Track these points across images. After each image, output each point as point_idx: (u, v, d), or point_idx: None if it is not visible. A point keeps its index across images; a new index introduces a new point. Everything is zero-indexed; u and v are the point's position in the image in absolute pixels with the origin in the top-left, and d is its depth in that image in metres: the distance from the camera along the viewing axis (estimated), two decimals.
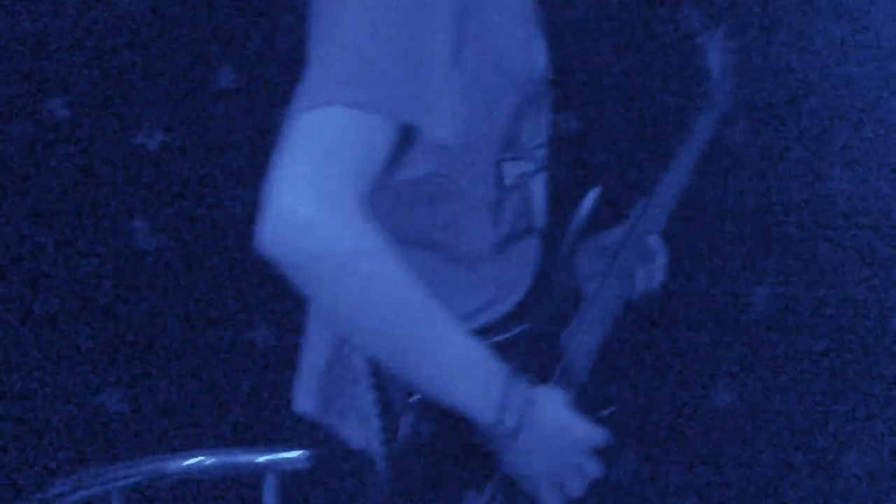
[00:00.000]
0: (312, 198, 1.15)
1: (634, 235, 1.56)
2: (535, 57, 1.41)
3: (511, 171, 1.39)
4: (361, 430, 1.36)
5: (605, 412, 1.50)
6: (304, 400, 1.44)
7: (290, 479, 1.72)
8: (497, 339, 1.36)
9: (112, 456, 2.63)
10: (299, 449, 1.49)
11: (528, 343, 1.40)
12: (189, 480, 1.72)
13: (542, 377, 1.39)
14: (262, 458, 1.71)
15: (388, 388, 1.30)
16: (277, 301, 2.61)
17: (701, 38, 1.73)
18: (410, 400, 1.28)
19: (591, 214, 1.54)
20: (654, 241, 1.59)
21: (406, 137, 1.25)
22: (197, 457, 1.72)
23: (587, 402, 1.45)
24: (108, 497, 1.66)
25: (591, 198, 1.54)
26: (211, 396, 2.73)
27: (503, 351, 1.31)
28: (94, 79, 2.63)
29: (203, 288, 2.72)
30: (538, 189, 1.48)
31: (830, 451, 2.79)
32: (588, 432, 1.36)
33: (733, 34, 1.74)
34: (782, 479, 2.79)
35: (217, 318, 2.73)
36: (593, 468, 1.38)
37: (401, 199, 1.34)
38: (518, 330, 1.40)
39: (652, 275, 1.59)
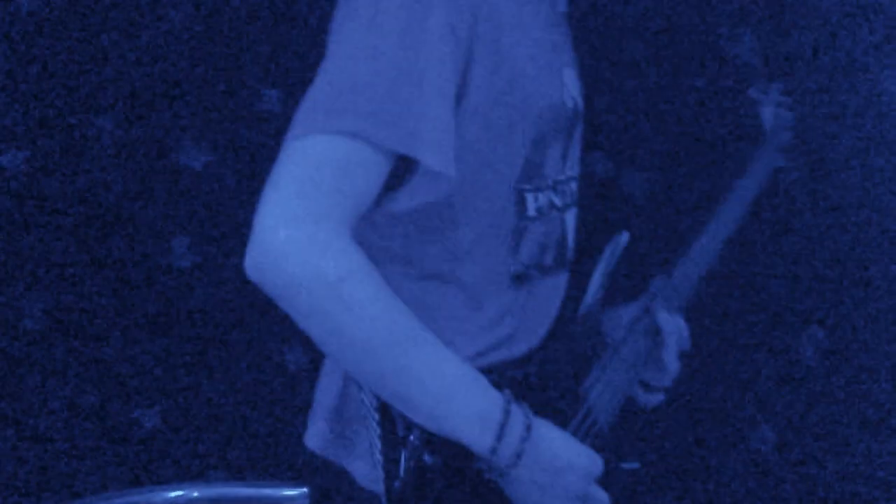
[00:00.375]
0: (294, 224, 1.15)
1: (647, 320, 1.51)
2: (563, 87, 1.39)
3: (533, 201, 1.37)
4: (368, 467, 1.34)
5: (628, 466, 1.46)
6: (315, 435, 1.43)
7: None
8: (510, 374, 1.33)
9: (146, 473, 2.64)
10: (303, 485, 1.47)
11: (542, 385, 1.37)
12: None
13: (558, 423, 1.34)
14: (260, 493, 1.70)
15: (394, 424, 1.28)
16: None
17: (754, 91, 1.70)
18: (411, 437, 1.26)
19: (619, 261, 1.50)
20: (671, 332, 1.52)
21: (405, 167, 1.24)
22: (196, 488, 1.71)
23: (609, 455, 1.39)
24: None
25: (618, 242, 1.51)
26: (240, 417, 2.73)
27: (516, 388, 1.28)
28: (142, 98, 2.66)
29: (241, 309, 2.73)
30: (571, 224, 1.46)
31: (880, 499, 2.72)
32: (592, 459, 1.32)
33: (791, 89, 1.72)
34: None
35: (252, 339, 2.73)
36: (601, 497, 1.34)
37: (412, 230, 1.32)
38: (533, 370, 1.37)
39: (656, 384, 1.55)
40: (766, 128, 1.76)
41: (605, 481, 1.35)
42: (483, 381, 1.25)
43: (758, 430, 2.73)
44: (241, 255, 1.19)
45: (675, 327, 1.53)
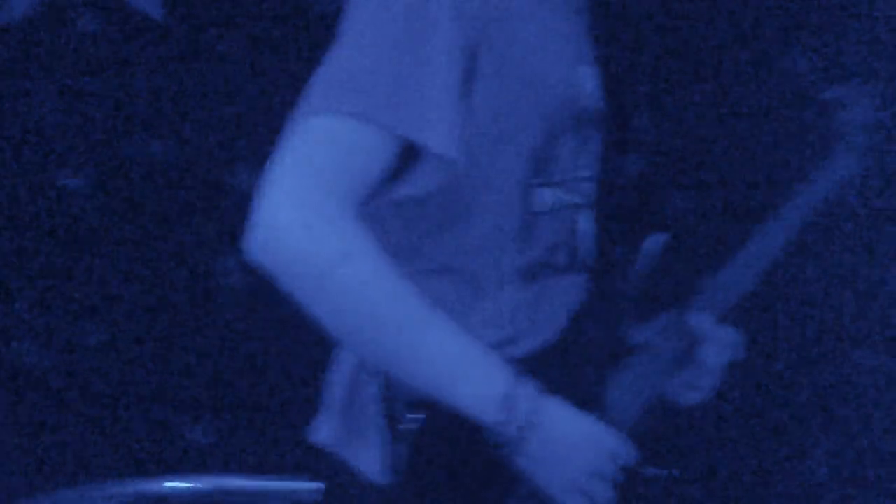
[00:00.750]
0: (299, 203, 1.16)
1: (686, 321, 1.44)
2: (579, 83, 1.38)
3: (544, 197, 1.36)
4: (374, 461, 1.33)
5: (655, 472, 1.42)
6: (323, 430, 1.42)
7: None
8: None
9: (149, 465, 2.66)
10: (311, 479, 1.47)
11: (553, 384, 1.32)
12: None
13: None
14: (269, 487, 1.71)
15: (399, 415, 1.28)
16: None
17: (831, 92, 1.65)
18: (415, 427, 1.27)
19: (657, 261, 1.47)
20: (713, 343, 1.44)
21: (411, 152, 1.24)
22: (205, 481, 1.72)
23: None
24: None
25: (656, 242, 1.47)
26: (291, 432, 2.74)
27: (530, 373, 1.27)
28: (190, 117, 2.71)
29: (286, 327, 2.75)
30: (585, 225, 1.43)
31: None
32: (605, 435, 1.31)
33: (875, 92, 1.67)
34: None
35: (298, 356, 2.75)
36: (618, 476, 1.32)
37: (417, 222, 1.32)
38: (544, 368, 1.34)
39: (695, 383, 1.45)
40: (840, 131, 1.70)
41: (625, 484, 1.33)
42: (492, 355, 1.26)
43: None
44: None
45: (709, 327, 1.45)
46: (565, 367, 1.37)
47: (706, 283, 1.50)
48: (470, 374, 1.24)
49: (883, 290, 2.60)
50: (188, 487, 1.72)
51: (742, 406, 2.62)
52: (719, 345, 1.46)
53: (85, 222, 2.73)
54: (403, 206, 1.30)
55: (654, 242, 1.47)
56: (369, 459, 1.36)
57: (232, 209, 2.75)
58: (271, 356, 2.77)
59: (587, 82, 1.39)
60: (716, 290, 1.49)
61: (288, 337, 2.75)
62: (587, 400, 1.37)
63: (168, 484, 1.72)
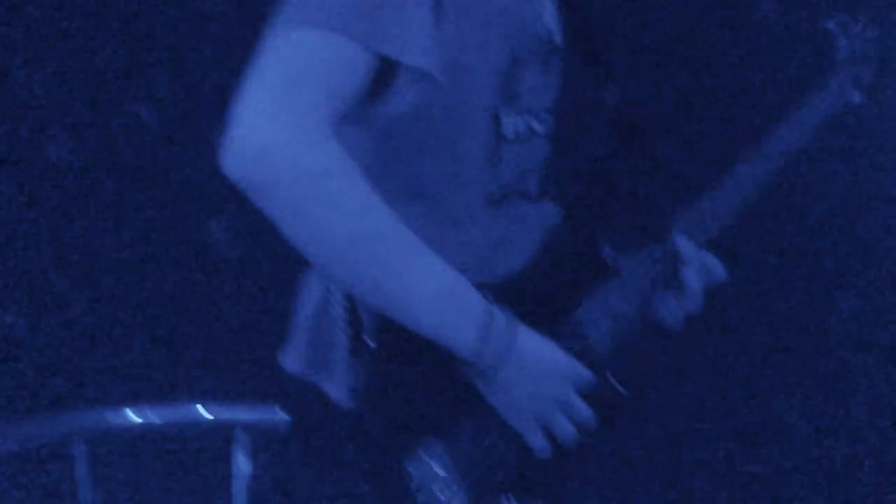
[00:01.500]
0: (276, 119, 1.14)
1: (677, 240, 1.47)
2: (537, 14, 1.39)
3: (510, 124, 1.38)
4: (340, 385, 1.36)
5: (623, 389, 1.43)
6: (292, 358, 1.44)
7: (267, 437, 1.74)
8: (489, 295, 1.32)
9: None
10: (277, 407, 1.48)
11: (526, 307, 1.34)
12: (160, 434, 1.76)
13: None
14: (233, 416, 1.73)
15: (364, 338, 1.29)
16: None
17: (833, 22, 1.63)
18: (378, 347, 1.28)
19: (628, 194, 1.48)
20: (694, 266, 1.46)
21: (388, 70, 1.24)
22: (170, 411, 1.74)
23: (606, 384, 1.39)
24: (69, 443, 1.67)
25: (626, 169, 1.47)
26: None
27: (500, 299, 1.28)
28: (182, 80, 2.72)
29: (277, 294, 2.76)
30: (546, 155, 1.46)
31: None
32: (573, 366, 1.33)
33: (878, 22, 1.64)
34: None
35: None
36: (581, 409, 1.34)
37: (391, 144, 1.33)
38: (515, 293, 1.36)
39: (681, 304, 1.47)
40: (839, 59, 1.64)
41: (597, 403, 1.35)
42: (466, 283, 1.26)
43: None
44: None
45: (694, 250, 1.48)
46: (537, 294, 1.39)
47: (693, 208, 1.50)
48: (448, 302, 1.24)
49: (877, 225, 2.62)
50: (156, 417, 1.74)
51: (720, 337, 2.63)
52: (702, 268, 1.48)
53: (71, 189, 2.74)
54: (378, 127, 1.31)
55: (624, 171, 1.48)
56: (335, 384, 1.39)
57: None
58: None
59: (545, 13, 1.41)
60: (702, 215, 1.50)
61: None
62: (559, 325, 1.39)
63: (136, 413, 1.72)
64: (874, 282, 2.64)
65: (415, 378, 1.29)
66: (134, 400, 1.78)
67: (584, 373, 1.34)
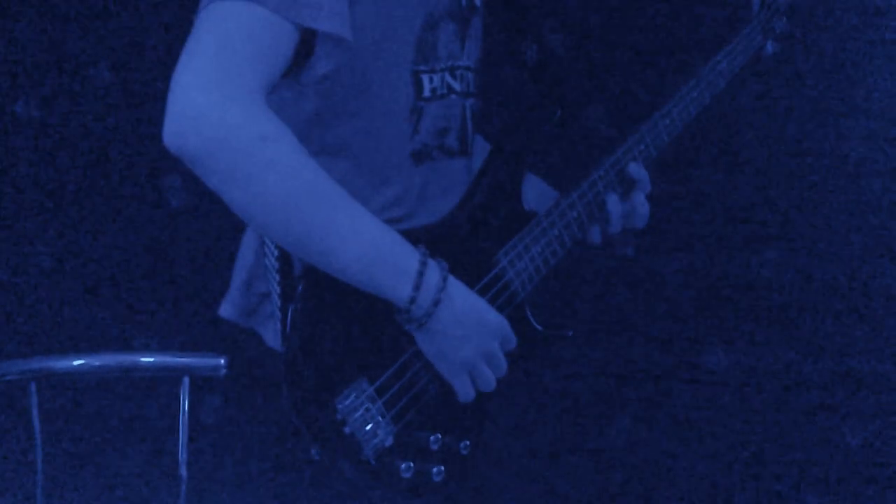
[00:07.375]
0: (211, 88, 1.19)
1: (613, 165, 1.56)
2: None
3: (429, 82, 1.44)
4: (273, 330, 1.43)
5: (565, 332, 1.52)
6: (230, 306, 1.52)
7: (207, 383, 1.79)
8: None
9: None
10: (218, 354, 1.54)
11: (448, 250, 1.40)
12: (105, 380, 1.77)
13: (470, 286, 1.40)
14: (172, 362, 1.77)
15: (292, 282, 1.34)
16: None
17: None
18: (300, 289, 1.33)
19: (547, 137, 1.54)
20: (637, 170, 1.56)
21: (310, 38, 1.30)
22: (106, 357, 1.77)
23: (523, 324, 1.47)
24: (23, 385, 1.72)
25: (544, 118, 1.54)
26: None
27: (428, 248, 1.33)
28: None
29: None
30: (468, 112, 1.52)
31: (826, 417, 2.73)
32: (500, 320, 1.39)
33: None
34: (773, 443, 2.75)
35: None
36: (502, 363, 1.40)
37: (317, 104, 1.38)
38: (436, 239, 1.41)
39: (633, 209, 1.56)
40: (755, 10, 1.79)
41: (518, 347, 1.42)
42: (398, 236, 1.31)
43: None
44: None
45: (644, 175, 1.56)
46: (460, 240, 1.46)
47: (633, 136, 1.58)
48: (383, 254, 1.29)
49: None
50: (91, 363, 1.76)
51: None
52: (647, 192, 1.57)
53: (33, 147, 2.77)
54: (304, 91, 1.37)
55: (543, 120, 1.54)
56: (269, 329, 1.48)
57: None
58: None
59: None
60: (640, 143, 1.59)
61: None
62: (484, 272, 1.45)
63: (72, 360, 1.76)
64: (794, 238, 2.72)
65: (343, 322, 1.34)
66: (84, 349, 1.82)
67: (510, 333, 1.40)
